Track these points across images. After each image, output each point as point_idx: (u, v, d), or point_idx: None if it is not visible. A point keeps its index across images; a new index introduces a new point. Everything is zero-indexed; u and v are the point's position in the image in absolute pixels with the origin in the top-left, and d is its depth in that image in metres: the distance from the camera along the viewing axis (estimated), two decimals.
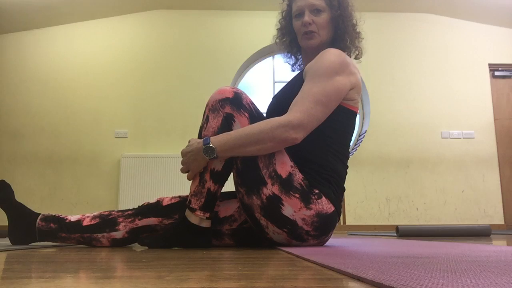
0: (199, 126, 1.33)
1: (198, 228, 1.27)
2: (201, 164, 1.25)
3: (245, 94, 1.30)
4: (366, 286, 0.50)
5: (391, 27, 5.16)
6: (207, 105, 1.30)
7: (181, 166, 1.29)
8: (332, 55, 1.30)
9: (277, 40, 1.58)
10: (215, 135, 1.26)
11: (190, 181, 1.33)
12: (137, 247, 1.42)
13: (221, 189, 1.31)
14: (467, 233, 2.46)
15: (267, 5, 4.90)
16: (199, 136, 1.31)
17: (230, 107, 1.26)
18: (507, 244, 1.57)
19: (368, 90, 4.91)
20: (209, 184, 1.27)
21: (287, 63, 1.61)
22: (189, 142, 1.31)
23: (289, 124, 1.19)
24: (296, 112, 1.22)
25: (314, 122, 1.23)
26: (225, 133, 1.24)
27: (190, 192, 1.30)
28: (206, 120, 1.29)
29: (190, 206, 1.28)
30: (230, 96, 1.27)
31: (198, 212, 1.27)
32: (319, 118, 1.25)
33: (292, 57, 1.58)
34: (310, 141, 1.26)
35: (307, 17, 1.40)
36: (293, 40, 1.53)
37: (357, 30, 1.46)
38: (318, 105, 1.23)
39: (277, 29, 1.57)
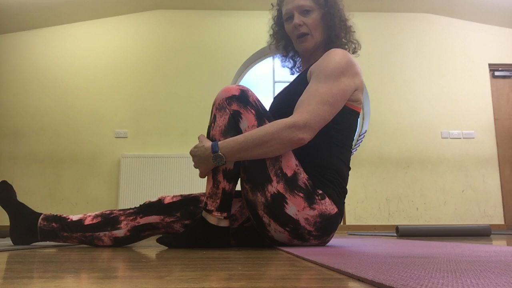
0: (207, 126, 1.33)
1: (217, 228, 1.27)
2: (210, 167, 1.26)
3: (251, 91, 1.30)
4: (366, 286, 0.50)
5: (391, 27, 5.16)
6: (213, 104, 1.30)
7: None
8: (338, 55, 1.29)
9: (272, 45, 1.58)
10: (223, 133, 1.25)
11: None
12: (141, 246, 1.42)
13: (235, 186, 1.31)
14: (467, 233, 2.46)
15: (267, 5, 4.87)
16: (208, 136, 1.31)
17: (237, 105, 1.26)
18: (507, 244, 1.57)
19: (368, 90, 4.91)
20: (224, 184, 1.27)
21: (285, 67, 1.61)
22: (198, 139, 1.31)
23: (295, 124, 1.19)
24: (302, 112, 1.21)
25: (321, 122, 1.23)
26: (232, 138, 1.23)
27: (205, 194, 1.30)
28: (213, 119, 1.29)
29: (207, 208, 1.28)
30: (237, 93, 1.27)
31: (215, 213, 1.27)
32: (326, 118, 1.24)
33: (290, 60, 1.57)
34: (314, 142, 1.26)
35: (297, 19, 1.40)
36: (287, 43, 1.52)
37: (348, 24, 1.45)
38: (325, 105, 1.23)
39: (270, 35, 1.58)
